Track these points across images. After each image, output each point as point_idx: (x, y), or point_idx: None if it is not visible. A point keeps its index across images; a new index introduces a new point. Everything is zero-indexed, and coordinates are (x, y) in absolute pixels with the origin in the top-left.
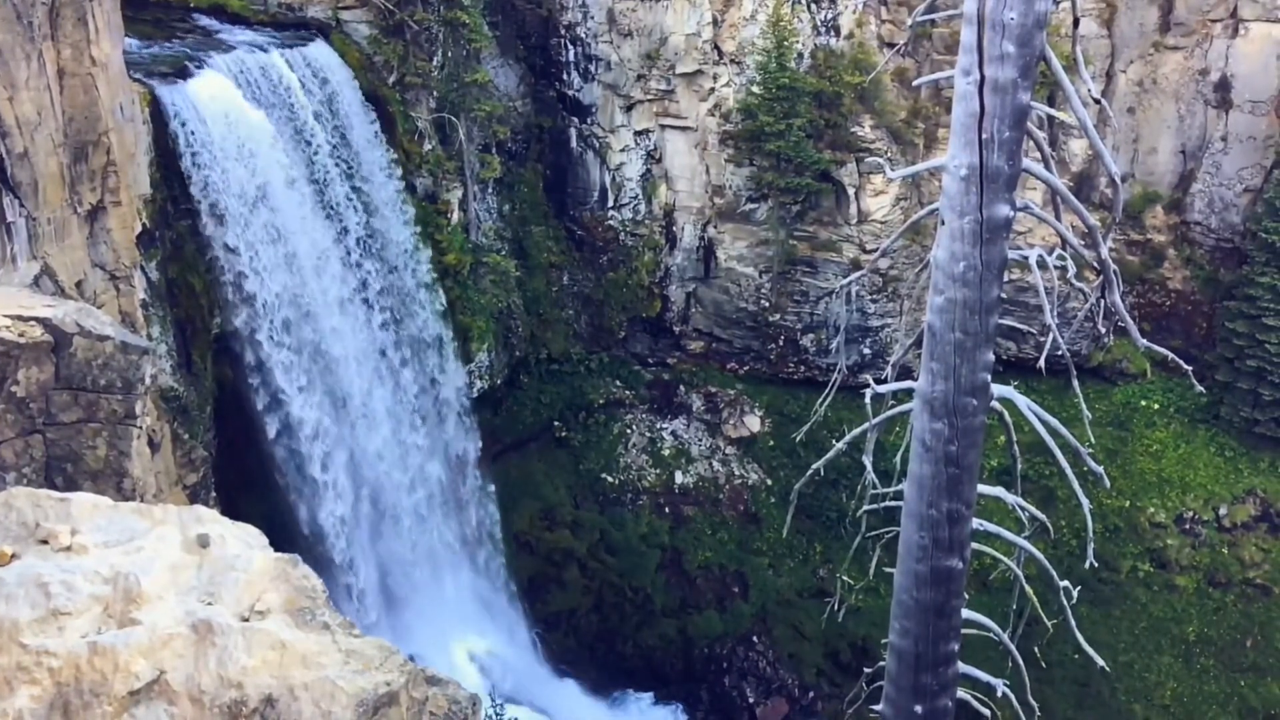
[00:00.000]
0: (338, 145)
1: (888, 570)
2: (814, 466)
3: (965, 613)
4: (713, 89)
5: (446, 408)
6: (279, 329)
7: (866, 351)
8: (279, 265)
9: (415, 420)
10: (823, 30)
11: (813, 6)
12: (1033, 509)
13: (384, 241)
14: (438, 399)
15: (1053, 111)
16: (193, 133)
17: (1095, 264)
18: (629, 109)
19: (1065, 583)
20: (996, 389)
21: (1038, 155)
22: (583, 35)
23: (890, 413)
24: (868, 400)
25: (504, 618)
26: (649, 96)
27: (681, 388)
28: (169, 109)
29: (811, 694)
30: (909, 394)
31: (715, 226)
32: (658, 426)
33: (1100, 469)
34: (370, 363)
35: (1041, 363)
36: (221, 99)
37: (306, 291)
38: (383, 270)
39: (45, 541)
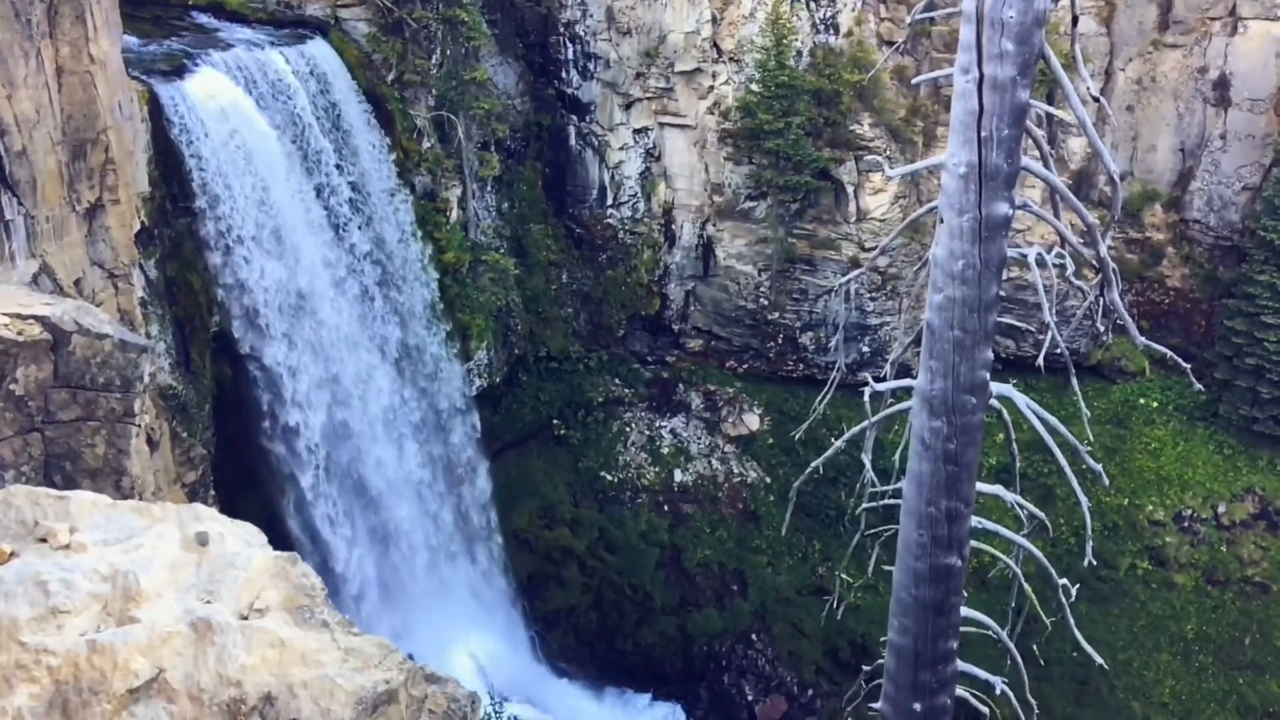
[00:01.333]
0: (372, 252)
1: (887, 568)
2: (813, 464)
3: (964, 610)
4: (712, 87)
5: (479, 541)
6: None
7: (865, 349)
8: (322, 386)
9: (451, 553)
10: (822, 28)
11: (811, 4)
12: (1031, 507)
13: (418, 358)
14: (470, 535)
15: (1052, 109)
16: (238, 248)
17: (1094, 262)
18: (628, 107)
19: (1064, 580)
20: (995, 387)
21: (1037, 153)
22: (582, 33)
23: (889, 411)
24: (866, 398)
25: (503, 616)
26: (648, 94)
27: (680, 386)
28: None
29: (810, 692)
30: (908, 392)
31: (714, 224)
32: (657, 425)
33: (1099, 467)
34: (410, 492)
35: (1040, 361)
36: (232, 117)
37: (352, 412)
38: (419, 395)
39: (44, 540)
